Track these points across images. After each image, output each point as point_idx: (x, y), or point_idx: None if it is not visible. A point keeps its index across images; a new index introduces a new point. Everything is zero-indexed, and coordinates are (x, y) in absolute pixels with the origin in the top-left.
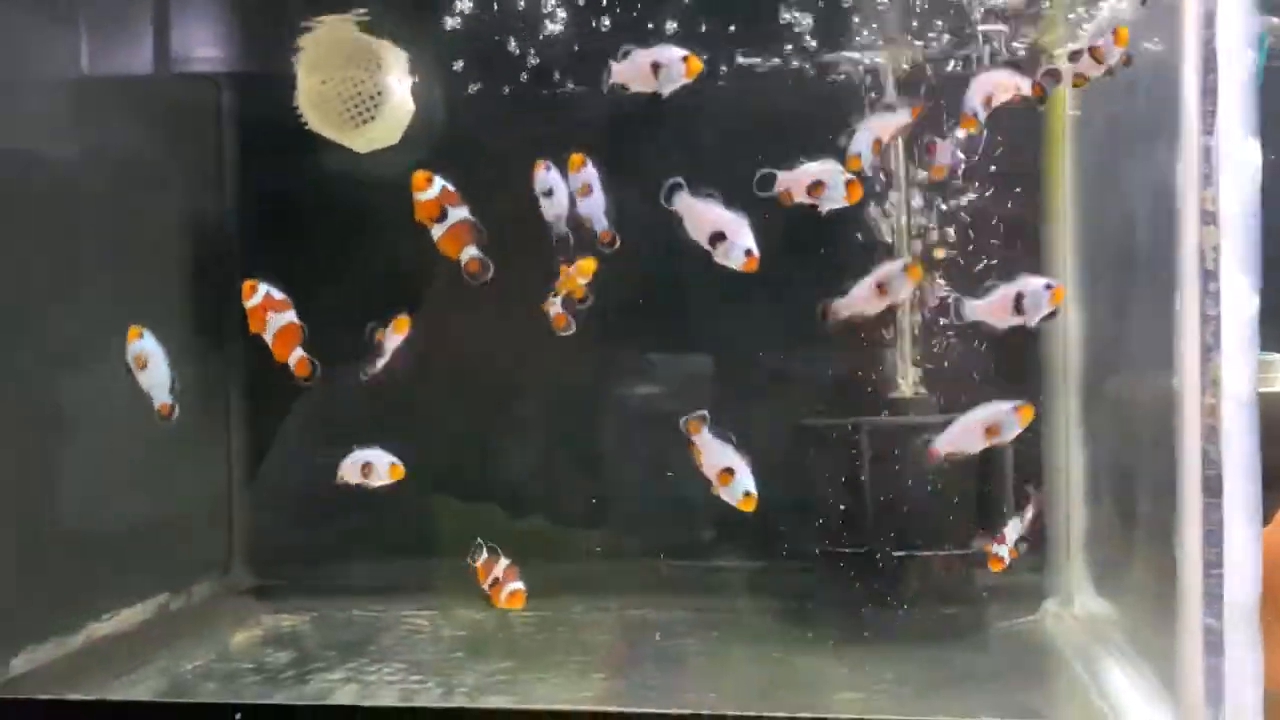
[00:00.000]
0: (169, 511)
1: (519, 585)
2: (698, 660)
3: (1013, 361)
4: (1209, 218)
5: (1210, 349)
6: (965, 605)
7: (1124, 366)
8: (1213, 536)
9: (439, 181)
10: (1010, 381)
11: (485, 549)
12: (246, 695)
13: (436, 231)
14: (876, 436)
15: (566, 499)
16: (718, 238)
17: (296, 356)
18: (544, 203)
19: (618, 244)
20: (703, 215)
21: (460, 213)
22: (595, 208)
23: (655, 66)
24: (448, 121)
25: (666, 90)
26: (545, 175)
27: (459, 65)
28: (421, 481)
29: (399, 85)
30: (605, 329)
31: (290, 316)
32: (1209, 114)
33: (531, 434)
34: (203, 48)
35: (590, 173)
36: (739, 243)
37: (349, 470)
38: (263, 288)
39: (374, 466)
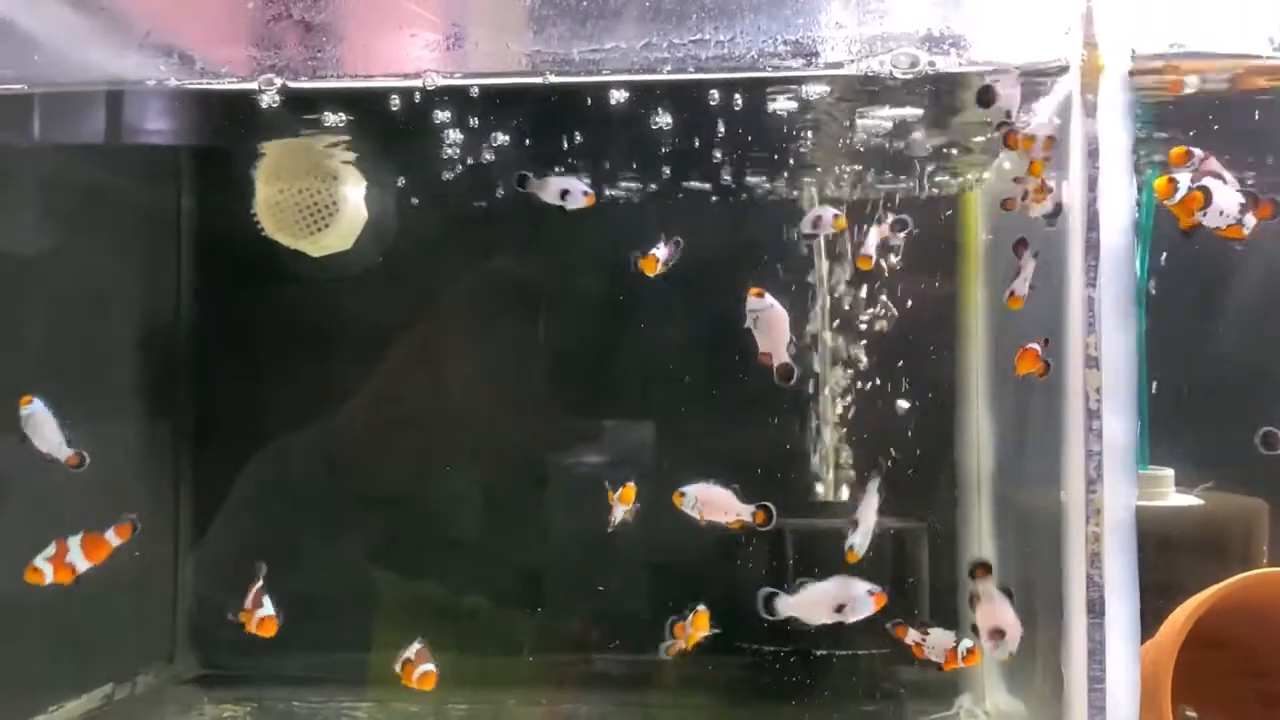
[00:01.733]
0: (116, 598)
1: (430, 667)
2: None
3: (930, 466)
4: (1092, 362)
5: (1094, 481)
6: (884, 701)
7: (1025, 479)
8: (1096, 653)
9: None
10: (926, 486)
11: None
12: None
13: None
14: (799, 538)
15: (509, 589)
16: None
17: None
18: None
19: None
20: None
21: None
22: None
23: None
24: (398, 227)
25: None
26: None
27: (410, 176)
28: (369, 568)
29: (353, 194)
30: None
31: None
32: (1092, 268)
33: (480, 521)
34: (163, 153)
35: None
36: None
37: (551, 192)
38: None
39: (571, 193)
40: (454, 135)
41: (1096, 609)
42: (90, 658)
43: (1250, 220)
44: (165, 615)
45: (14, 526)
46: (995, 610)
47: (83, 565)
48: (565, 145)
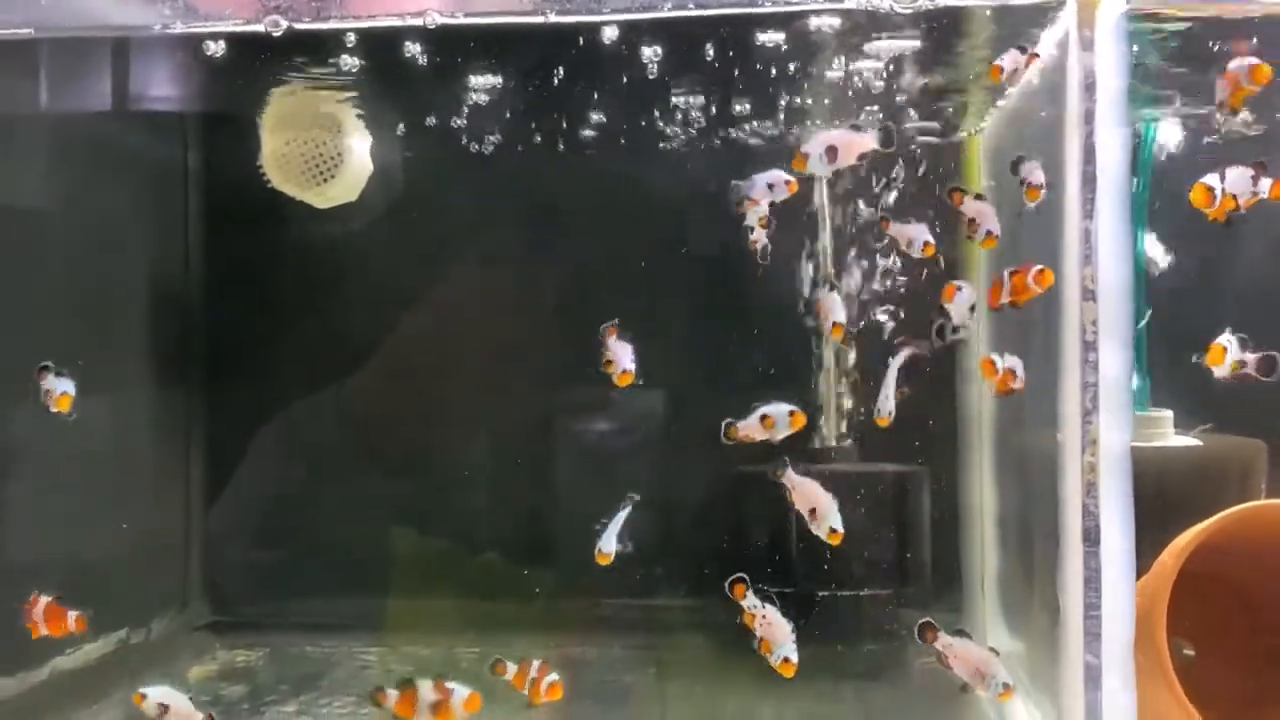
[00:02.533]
0: (130, 547)
1: (555, 676)
2: (635, 697)
3: (932, 411)
4: (1088, 294)
5: (1090, 412)
6: (887, 642)
7: (1025, 420)
8: (1092, 581)
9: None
10: (930, 429)
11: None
12: None
13: None
14: None
15: (518, 535)
16: (812, 512)
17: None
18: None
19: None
20: (806, 491)
21: None
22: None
23: None
24: (403, 179)
25: None
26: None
27: (415, 125)
28: (379, 516)
29: (359, 146)
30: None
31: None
32: (1089, 200)
33: (488, 470)
34: (170, 107)
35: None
36: (828, 520)
37: (760, 190)
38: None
39: (775, 186)
40: (459, 82)
41: (1092, 538)
42: (105, 604)
43: (1265, 185)
44: (179, 563)
45: (31, 484)
46: (964, 656)
47: (43, 629)
48: (568, 87)
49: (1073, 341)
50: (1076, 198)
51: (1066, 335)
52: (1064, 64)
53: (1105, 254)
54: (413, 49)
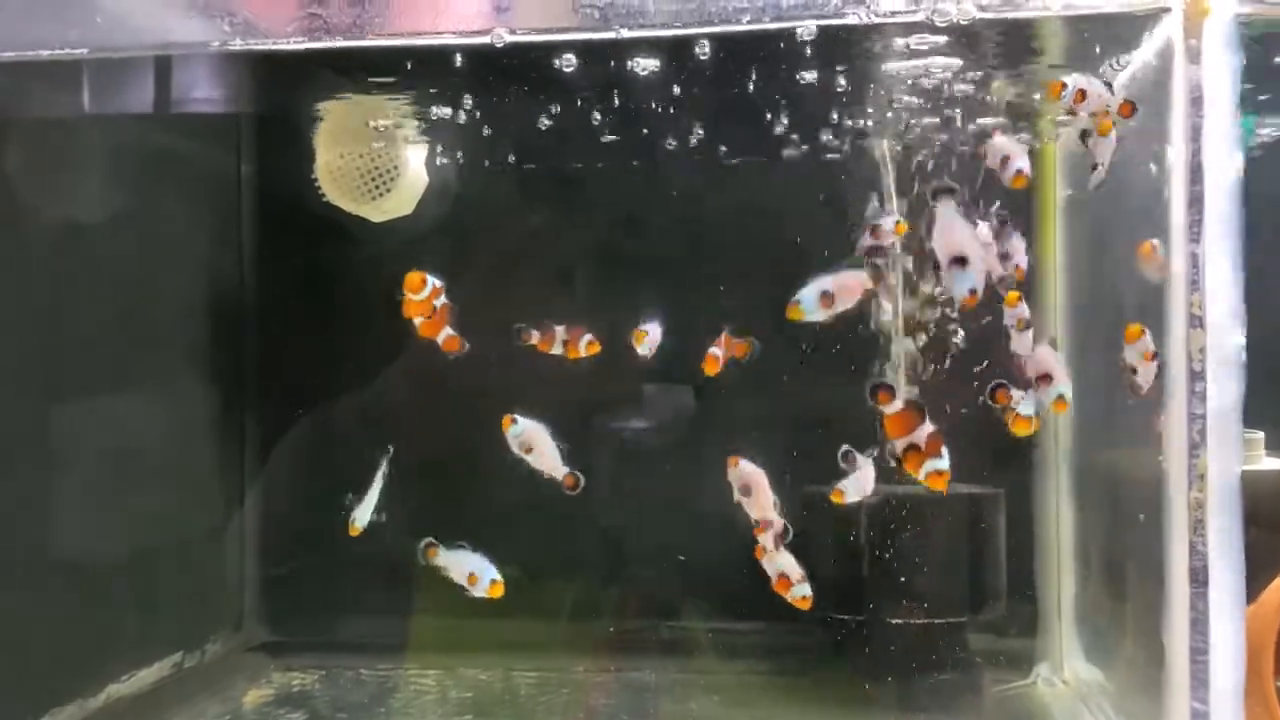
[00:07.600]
0: (184, 566)
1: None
2: None
3: (1006, 432)
4: (1196, 321)
5: (1197, 445)
6: (960, 671)
7: (1112, 443)
8: (1199, 624)
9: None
10: (1003, 450)
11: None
12: None
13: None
14: (872, 505)
15: (581, 557)
16: (1004, 161)
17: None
18: None
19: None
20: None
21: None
22: None
23: None
24: (459, 192)
25: None
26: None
27: (473, 139)
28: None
29: (414, 158)
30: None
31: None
32: (1195, 223)
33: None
34: (225, 119)
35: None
36: (1016, 163)
37: None
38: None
39: None
40: (519, 96)
41: (1200, 578)
42: (160, 626)
43: None
44: (233, 583)
45: (82, 489)
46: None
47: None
48: (634, 105)
49: (1179, 369)
50: (1182, 220)
51: (1172, 363)
52: (1166, 76)
53: (1214, 279)
54: (474, 61)
